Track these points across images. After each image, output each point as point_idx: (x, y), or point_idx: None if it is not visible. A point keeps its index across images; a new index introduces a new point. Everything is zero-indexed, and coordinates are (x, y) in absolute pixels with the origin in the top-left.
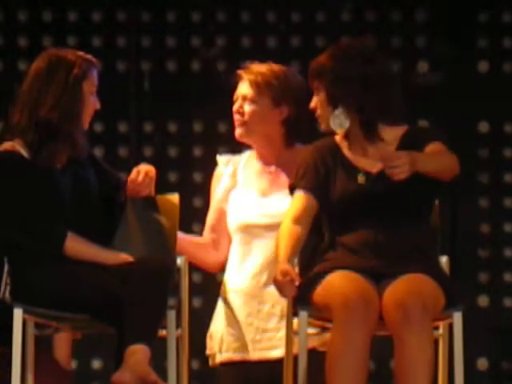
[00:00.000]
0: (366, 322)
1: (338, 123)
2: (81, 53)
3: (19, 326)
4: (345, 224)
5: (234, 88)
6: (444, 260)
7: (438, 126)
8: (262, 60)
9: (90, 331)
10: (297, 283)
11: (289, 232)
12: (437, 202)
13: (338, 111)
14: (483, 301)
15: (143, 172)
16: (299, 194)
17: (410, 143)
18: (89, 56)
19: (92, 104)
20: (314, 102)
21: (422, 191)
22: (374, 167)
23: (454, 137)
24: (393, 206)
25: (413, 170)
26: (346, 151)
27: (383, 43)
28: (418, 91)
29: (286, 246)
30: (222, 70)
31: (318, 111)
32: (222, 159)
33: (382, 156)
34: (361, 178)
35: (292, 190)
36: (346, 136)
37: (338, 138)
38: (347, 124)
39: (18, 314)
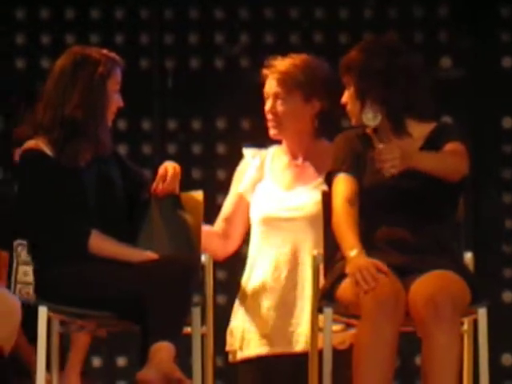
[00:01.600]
0: (395, 316)
1: (370, 117)
2: (105, 51)
3: (44, 324)
4: (369, 218)
5: (257, 84)
6: (468, 256)
7: (461, 122)
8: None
9: (114, 329)
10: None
11: (346, 212)
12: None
13: (370, 106)
14: (507, 296)
15: (171, 169)
16: (343, 177)
17: (436, 141)
18: (113, 54)
19: (115, 102)
20: (345, 97)
21: (447, 188)
22: None
23: (477, 132)
24: (418, 202)
25: (405, 165)
26: (378, 143)
27: (406, 39)
28: (440, 87)
29: (351, 232)
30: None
31: (348, 106)
32: (248, 152)
33: (376, 149)
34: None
35: (329, 176)
36: (376, 130)
37: (369, 130)
38: (379, 118)
39: (42, 311)
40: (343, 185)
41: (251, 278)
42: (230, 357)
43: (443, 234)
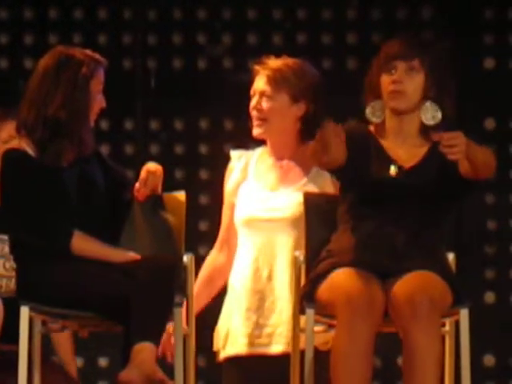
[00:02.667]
0: (369, 318)
1: (430, 117)
2: (88, 51)
3: (26, 324)
4: (364, 212)
5: (239, 85)
6: (450, 257)
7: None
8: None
9: (96, 329)
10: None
11: None
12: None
13: (429, 104)
14: (489, 297)
15: (153, 171)
16: None
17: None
18: (96, 55)
19: (98, 102)
20: (404, 78)
21: (452, 191)
22: (408, 162)
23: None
24: (417, 202)
25: (466, 153)
26: (381, 140)
27: (388, 40)
28: None
29: None
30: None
31: (408, 91)
32: (234, 154)
33: (439, 135)
34: (393, 170)
35: None
36: (381, 127)
37: (371, 127)
38: (438, 117)
39: (24, 311)
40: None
41: (234, 279)
42: (217, 357)
43: (429, 235)
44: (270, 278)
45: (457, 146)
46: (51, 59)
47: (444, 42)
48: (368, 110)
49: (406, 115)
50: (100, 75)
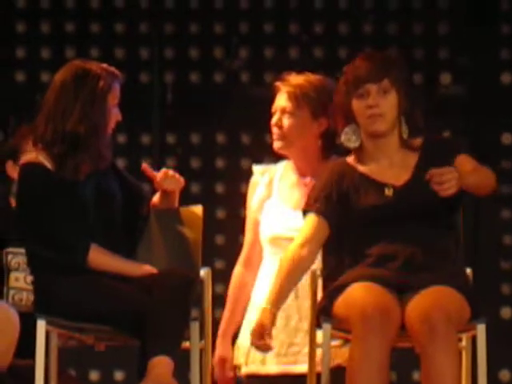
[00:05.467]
0: (383, 333)
1: (352, 139)
2: (104, 65)
3: (42, 338)
4: (370, 236)
5: (257, 99)
6: (467, 272)
7: (460, 138)
8: (285, 71)
9: (113, 343)
10: (270, 344)
11: (292, 257)
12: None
13: (350, 128)
14: (506, 313)
15: (169, 175)
16: (311, 217)
17: (433, 153)
18: (112, 68)
19: (115, 116)
20: (379, 101)
21: (448, 202)
22: (399, 179)
23: (477, 148)
24: (419, 217)
25: (460, 185)
26: (363, 169)
27: (406, 55)
28: (440, 103)
29: (282, 283)
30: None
31: (385, 112)
32: (257, 169)
33: (430, 172)
34: (388, 191)
35: (304, 213)
36: (360, 152)
37: (350, 158)
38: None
39: (41, 325)
40: (306, 226)
41: (259, 296)
42: (237, 371)
43: (444, 249)
44: (295, 297)
45: (447, 182)
46: (68, 73)
47: (400, 55)
48: (344, 137)
49: (384, 136)
50: (116, 89)
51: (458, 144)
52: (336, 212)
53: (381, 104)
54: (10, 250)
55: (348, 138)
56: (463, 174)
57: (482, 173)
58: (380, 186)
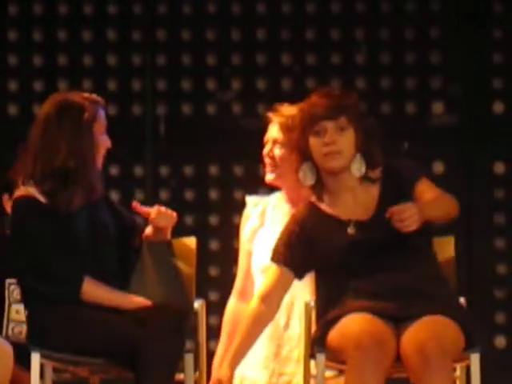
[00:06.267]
0: (379, 364)
1: (359, 167)
2: (86, 94)
3: (37, 371)
4: (351, 273)
5: (249, 130)
6: (461, 301)
7: (452, 168)
8: (277, 102)
9: (107, 376)
10: None
11: (252, 314)
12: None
13: (306, 165)
14: (500, 341)
15: (161, 213)
16: (272, 268)
17: (393, 185)
18: (94, 96)
19: (103, 144)
20: (336, 138)
21: (414, 232)
22: (364, 214)
23: (470, 178)
24: (392, 247)
25: (421, 219)
26: (325, 207)
27: (398, 85)
28: (432, 132)
29: (241, 341)
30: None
31: (343, 149)
32: (250, 200)
33: (389, 210)
34: (351, 230)
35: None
36: (320, 190)
37: (313, 198)
38: (363, 170)
39: (35, 358)
40: (267, 278)
41: None
42: None
43: (429, 270)
44: (286, 326)
45: (408, 219)
46: (51, 107)
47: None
48: (300, 175)
49: (342, 172)
50: (101, 117)
51: (415, 169)
52: (300, 256)
53: (338, 141)
54: (12, 280)
55: (304, 175)
56: (423, 207)
57: (442, 202)
58: (343, 225)
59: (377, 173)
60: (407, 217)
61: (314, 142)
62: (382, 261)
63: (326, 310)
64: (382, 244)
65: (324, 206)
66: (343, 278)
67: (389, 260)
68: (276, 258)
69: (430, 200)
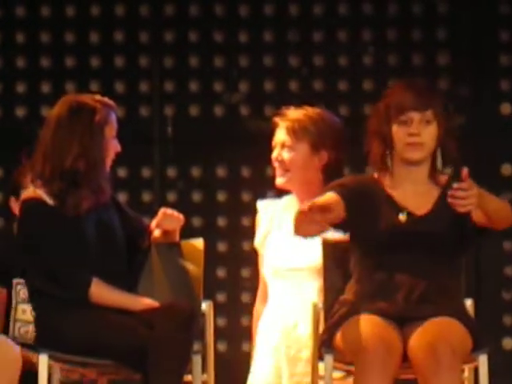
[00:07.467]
0: (386, 366)
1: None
2: (98, 97)
3: (45, 372)
4: (376, 261)
5: (257, 132)
6: (468, 303)
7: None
8: (285, 104)
9: (115, 377)
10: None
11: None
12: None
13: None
14: (507, 343)
15: (167, 215)
16: (329, 194)
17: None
18: (106, 99)
19: (113, 148)
20: (421, 130)
21: (463, 238)
22: (419, 209)
23: (477, 180)
24: (429, 249)
25: (477, 205)
26: (388, 189)
27: None
28: None
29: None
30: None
31: (426, 141)
32: (261, 205)
33: (455, 186)
34: (402, 217)
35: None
36: (389, 175)
37: (376, 175)
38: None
39: (43, 360)
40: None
41: (262, 327)
42: None
43: (447, 281)
44: (295, 326)
45: (466, 199)
46: (63, 109)
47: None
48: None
49: (418, 165)
50: (113, 120)
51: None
52: (355, 221)
53: (422, 133)
54: (19, 280)
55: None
56: (483, 195)
57: (501, 203)
58: (397, 209)
59: (444, 178)
60: (465, 196)
61: (398, 130)
62: (413, 260)
63: (334, 310)
64: (422, 244)
65: (388, 188)
66: (370, 257)
67: (418, 262)
68: (334, 187)
69: (489, 194)
